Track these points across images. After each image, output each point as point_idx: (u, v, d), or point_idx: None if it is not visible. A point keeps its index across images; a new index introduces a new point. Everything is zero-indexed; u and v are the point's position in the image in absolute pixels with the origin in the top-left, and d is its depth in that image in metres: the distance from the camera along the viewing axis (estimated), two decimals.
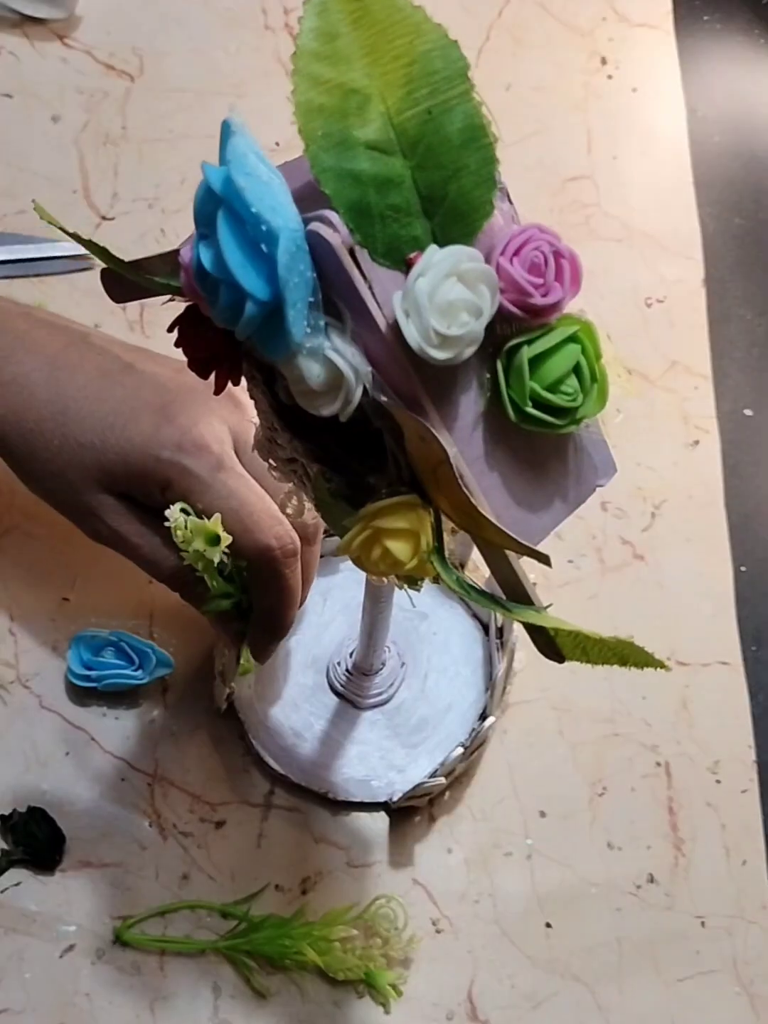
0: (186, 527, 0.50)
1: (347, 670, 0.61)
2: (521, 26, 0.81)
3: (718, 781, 0.63)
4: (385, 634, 0.58)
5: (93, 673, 0.60)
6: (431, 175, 0.36)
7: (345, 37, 0.35)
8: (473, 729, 0.60)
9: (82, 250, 0.68)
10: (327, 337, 0.35)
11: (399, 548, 0.38)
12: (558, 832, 0.61)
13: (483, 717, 0.61)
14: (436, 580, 0.40)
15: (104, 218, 0.73)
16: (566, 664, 0.59)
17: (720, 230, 0.77)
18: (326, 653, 0.62)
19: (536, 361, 0.37)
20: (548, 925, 0.59)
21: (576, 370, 0.38)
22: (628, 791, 0.62)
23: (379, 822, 0.61)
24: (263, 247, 0.33)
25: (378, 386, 0.36)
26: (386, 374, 0.36)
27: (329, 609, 0.64)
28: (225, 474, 0.54)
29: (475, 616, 0.64)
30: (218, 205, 0.33)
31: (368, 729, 0.61)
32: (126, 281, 0.41)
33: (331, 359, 0.35)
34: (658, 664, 0.40)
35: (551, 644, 0.41)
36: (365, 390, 0.36)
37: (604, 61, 0.81)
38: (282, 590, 0.54)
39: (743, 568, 0.68)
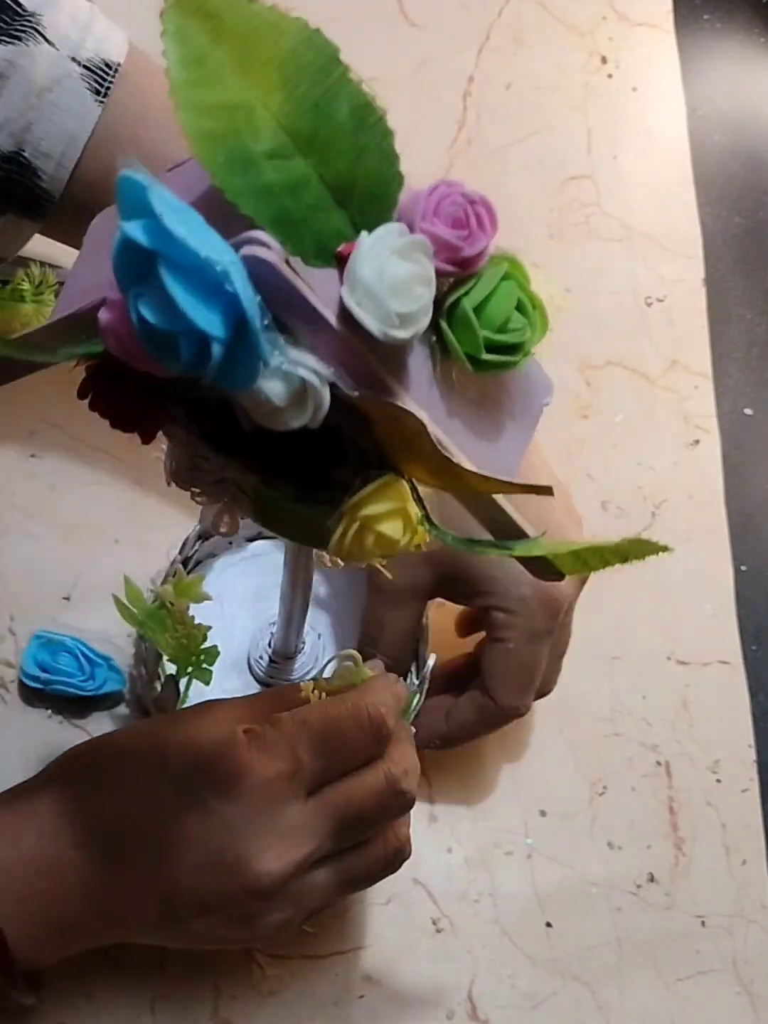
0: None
1: (270, 660, 0.60)
2: (521, 26, 0.81)
3: (718, 781, 0.63)
4: (305, 611, 0.56)
5: (43, 676, 0.60)
6: (335, 164, 0.35)
7: (211, 57, 0.34)
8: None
9: None
10: (283, 353, 0.35)
11: (392, 528, 0.37)
12: (558, 832, 0.61)
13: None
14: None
15: None
16: (565, 665, 0.60)
17: (720, 230, 0.77)
18: (243, 651, 0.61)
19: (479, 309, 0.37)
20: (548, 925, 0.59)
21: (518, 305, 0.38)
22: (628, 791, 0.62)
23: None
24: (224, 287, 0.32)
25: (348, 383, 0.36)
26: (347, 370, 0.36)
27: (228, 610, 0.61)
28: None
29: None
30: (148, 259, 0.32)
31: None
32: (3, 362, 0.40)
33: (292, 372, 0.35)
34: (661, 549, 0.39)
35: (548, 566, 0.41)
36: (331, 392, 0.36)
37: (604, 61, 0.81)
38: None
39: (743, 568, 0.68)
